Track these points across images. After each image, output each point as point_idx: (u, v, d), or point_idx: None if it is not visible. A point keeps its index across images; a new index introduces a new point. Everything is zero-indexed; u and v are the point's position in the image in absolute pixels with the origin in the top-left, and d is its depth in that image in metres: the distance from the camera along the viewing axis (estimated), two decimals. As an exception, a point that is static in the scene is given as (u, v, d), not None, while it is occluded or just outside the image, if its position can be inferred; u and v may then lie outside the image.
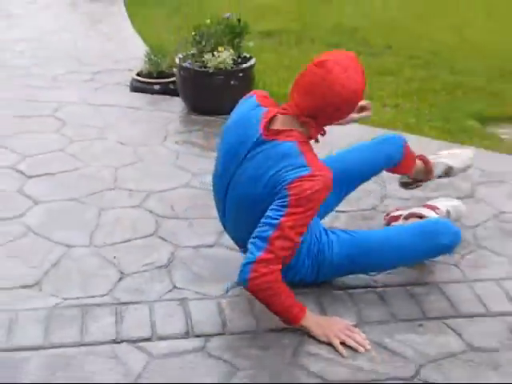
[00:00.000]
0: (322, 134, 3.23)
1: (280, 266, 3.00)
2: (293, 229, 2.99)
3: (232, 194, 3.28)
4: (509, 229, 3.97)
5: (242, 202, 3.24)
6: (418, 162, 4.02)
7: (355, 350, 3.00)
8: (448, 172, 4.11)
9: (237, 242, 3.52)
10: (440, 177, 4.12)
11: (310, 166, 3.01)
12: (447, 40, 8.10)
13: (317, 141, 3.23)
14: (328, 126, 3.20)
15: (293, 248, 3.03)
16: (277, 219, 2.97)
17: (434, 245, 3.48)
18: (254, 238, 3.03)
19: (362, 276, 3.52)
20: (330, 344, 3.03)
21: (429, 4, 10.01)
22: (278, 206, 2.99)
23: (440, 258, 3.68)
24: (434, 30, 8.52)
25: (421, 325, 3.20)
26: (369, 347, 3.03)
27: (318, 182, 2.98)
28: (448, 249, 3.54)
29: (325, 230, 3.45)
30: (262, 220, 3.03)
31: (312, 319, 3.12)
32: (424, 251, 3.53)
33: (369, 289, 3.45)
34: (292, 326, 3.12)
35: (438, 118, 5.62)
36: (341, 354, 2.99)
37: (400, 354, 3.01)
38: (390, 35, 8.22)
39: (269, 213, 3.01)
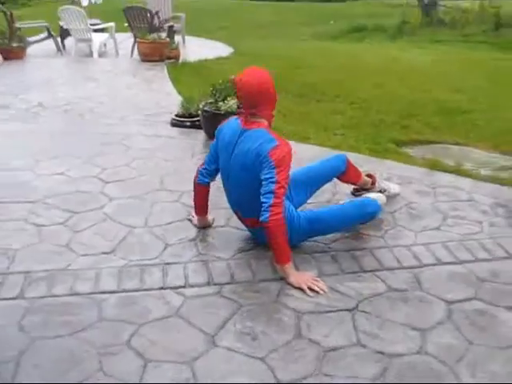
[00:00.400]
0: (272, 117, 3.33)
1: (282, 211, 3.08)
2: (284, 179, 3.11)
3: (233, 168, 3.32)
4: (415, 213, 3.97)
5: (240, 171, 3.28)
6: (367, 179, 4.07)
7: (317, 293, 3.02)
8: (383, 192, 4.15)
9: (240, 210, 3.51)
10: (379, 191, 4.13)
11: (277, 139, 3.17)
12: (374, 92, 8.11)
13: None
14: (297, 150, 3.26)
15: (285, 194, 3.14)
16: (273, 177, 3.07)
17: (363, 212, 3.64)
18: (263, 194, 3.10)
19: (320, 244, 3.53)
20: (300, 289, 3.05)
21: (361, 69, 10.02)
22: (268, 170, 3.10)
23: (371, 232, 3.69)
24: (366, 85, 8.53)
25: (359, 276, 3.21)
26: (326, 290, 3.04)
27: (285, 148, 3.17)
28: (372, 215, 3.69)
29: (295, 209, 3.48)
30: (263, 182, 3.12)
31: (291, 270, 3.14)
32: (358, 216, 3.63)
33: (325, 253, 3.45)
34: (278, 267, 3.16)
35: (370, 141, 5.61)
36: (308, 295, 3.01)
37: (346, 294, 3.03)
38: (338, 89, 8.22)
39: (266, 176, 3.11)
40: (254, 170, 3.17)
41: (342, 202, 3.90)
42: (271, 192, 3.06)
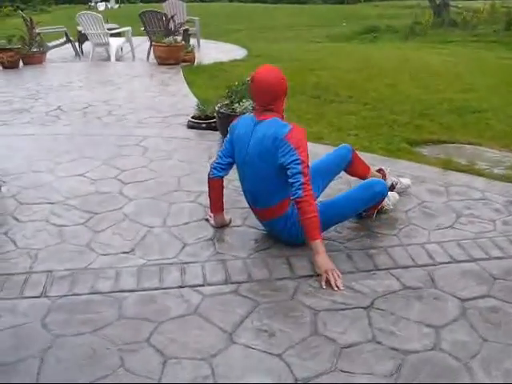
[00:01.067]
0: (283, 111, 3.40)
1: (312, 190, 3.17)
2: (307, 158, 3.18)
3: (250, 158, 3.35)
4: (428, 212, 3.96)
5: (257, 159, 3.31)
6: (377, 174, 4.03)
7: (331, 288, 3.03)
8: (395, 184, 4.14)
9: (256, 202, 3.50)
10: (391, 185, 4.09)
11: (291, 124, 3.24)
12: (386, 92, 8.08)
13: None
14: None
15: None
16: (297, 159, 3.15)
17: (373, 192, 3.57)
18: (291, 176, 3.17)
19: (335, 243, 3.53)
20: (317, 275, 3.11)
21: (374, 70, 10.00)
22: (290, 153, 3.17)
23: (385, 231, 3.69)
24: (378, 86, 8.50)
25: (374, 273, 3.21)
26: (342, 288, 3.04)
27: (300, 130, 3.29)
28: (382, 194, 3.63)
29: None
30: (288, 166, 3.16)
31: (323, 248, 3.18)
32: (368, 197, 3.57)
33: (341, 252, 3.45)
34: (311, 244, 3.17)
35: (383, 142, 5.60)
36: (320, 286, 3.05)
37: (361, 291, 3.03)
38: (351, 89, 8.19)
39: (290, 159, 3.16)
40: (271, 156, 3.23)
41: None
42: (299, 172, 3.14)
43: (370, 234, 3.66)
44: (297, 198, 3.12)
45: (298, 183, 3.12)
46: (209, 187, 3.66)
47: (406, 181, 4.27)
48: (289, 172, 3.17)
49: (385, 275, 3.19)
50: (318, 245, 3.14)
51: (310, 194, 3.13)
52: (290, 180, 3.16)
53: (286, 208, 3.38)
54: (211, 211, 3.76)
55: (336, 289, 3.03)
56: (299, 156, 3.14)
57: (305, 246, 3.35)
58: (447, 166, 4.85)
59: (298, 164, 3.14)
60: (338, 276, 3.10)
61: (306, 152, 3.20)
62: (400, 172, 4.55)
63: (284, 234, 3.46)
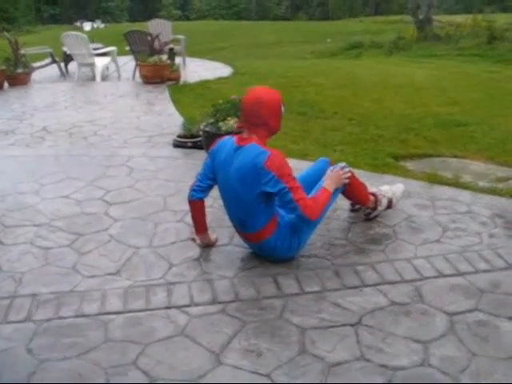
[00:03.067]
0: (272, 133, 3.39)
1: (307, 198, 3.23)
2: (293, 181, 3.20)
3: (231, 184, 3.36)
4: (414, 227, 3.96)
5: (238, 186, 3.31)
6: (372, 198, 3.99)
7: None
8: (391, 199, 4.10)
9: (242, 226, 3.50)
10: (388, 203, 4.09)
11: (267, 150, 3.23)
12: (371, 108, 8.14)
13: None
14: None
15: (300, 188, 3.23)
16: (284, 188, 3.17)
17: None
18: (286, 204, 3.24)
19: (323, 260, 3.52)
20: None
21: (359, 85, 10.07)
22: (273, 183, 3.20)
23: (372, 247, 3.69)
24: (363, 101, 8.56)
25: (361, 290, 3.20)
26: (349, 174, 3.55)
27: (277, 154, 3.22)
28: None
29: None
30: (277, 195, 3.23)
31: (329, 186, 3.45)
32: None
33: (328, 269, 3.43)
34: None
35: (369, 157, 5.62)
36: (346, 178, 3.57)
37: (348, 308, 3.01)
38: (336, 106, 8.25)
39: (275, 190, 3.21)
40: (252, 183, 3.23)
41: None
42: (291, 200, 3.17)
43: (356, 250, 3.66)
44: (301, 215, 3.20)
45: (295, 206, 3.17)
46: (191, 209, 3.65)
47: (398, 187, 4.23)
48: (280, 199, 3.24)
49: (372, 291, 3.18)
50: (330, 187, 3.44)
51: (306, 204, 3.17)
52: (288, 205, 3.22)
53: (275, 226, 3.38)
54: (195, 232, 3.75)
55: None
56: (285, 185, 3.15)
57: (291, 264, 3.36)
58: (433, 179, 4.87)
59: (287, 192, 3.16)
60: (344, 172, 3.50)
61: (290, 175, 3.20)
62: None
63: (276, 252, 3.44)
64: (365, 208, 4.05)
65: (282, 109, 3.37)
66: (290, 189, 3.16)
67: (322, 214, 3.40)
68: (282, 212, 3.44)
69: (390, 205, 4.09)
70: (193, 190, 3.57)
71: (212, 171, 3.49)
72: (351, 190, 3.79)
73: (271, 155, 3.19)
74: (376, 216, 4.06)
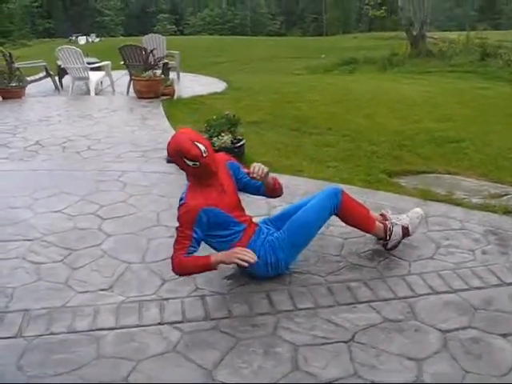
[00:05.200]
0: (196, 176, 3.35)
1: (182, 254, 3.22)
2: (182, 234, 3.26)
3: None
4: (408, 243, 3.95)
5: None
6: (379, 225, 3.76)
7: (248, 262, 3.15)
8: (407, 231, 3.83)
9: None
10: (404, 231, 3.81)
11: (185, 198, 3.31)
12: (365, 124, 8.18)
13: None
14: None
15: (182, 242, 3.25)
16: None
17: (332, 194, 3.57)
18: None
19: (316, 277, 3.52)
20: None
21: (352, 101, 10.13)
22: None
23: (365, 263, 3.69)
24: (357, 117, 8.61)
25: (355, 307, 3.20)
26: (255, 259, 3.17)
27: (186, 207, 3.26)
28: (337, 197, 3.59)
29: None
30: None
31: (216, 256, 3.25)
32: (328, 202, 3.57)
33: (321, 285, 3.44)
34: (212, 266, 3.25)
35: (362, 173, 5.64)
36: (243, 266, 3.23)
37: (341, 325, 3.01)
38: (330, 121, 8.29)
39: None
40: None
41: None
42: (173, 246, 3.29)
43: (349, 267, 3.66)
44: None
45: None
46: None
47: (414, 212, 3.96)
48: None
49: (365, 308, 3.18)
50: (215, 259, 3.24)
51: (176, 257, 3.24)
52: None
53: (247, 241, 3.43)
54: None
55: (252, 260, 3.16)
56: (176, 232, 3.31)
57: (284, 280, 3.36)
58: (426, 196, 4.89)
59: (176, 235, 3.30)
60: (245, 250, 3.20)
61: (181, 229, 3.26)
62: (379, 204, 4.56)
63: (255, 268, 3.35)
64: (377, 239, 3.88)
65: (187, 154, 3.22)
66: (176, 237, 3.27)
67: (186, 274, 3.37)
68: (264, 228, 3.51)
69: (406, 231, 3.81)
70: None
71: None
72: (346, 214, 3.66)
73: (182, 204, 3.30)
74: (395, 246, 3.81)
